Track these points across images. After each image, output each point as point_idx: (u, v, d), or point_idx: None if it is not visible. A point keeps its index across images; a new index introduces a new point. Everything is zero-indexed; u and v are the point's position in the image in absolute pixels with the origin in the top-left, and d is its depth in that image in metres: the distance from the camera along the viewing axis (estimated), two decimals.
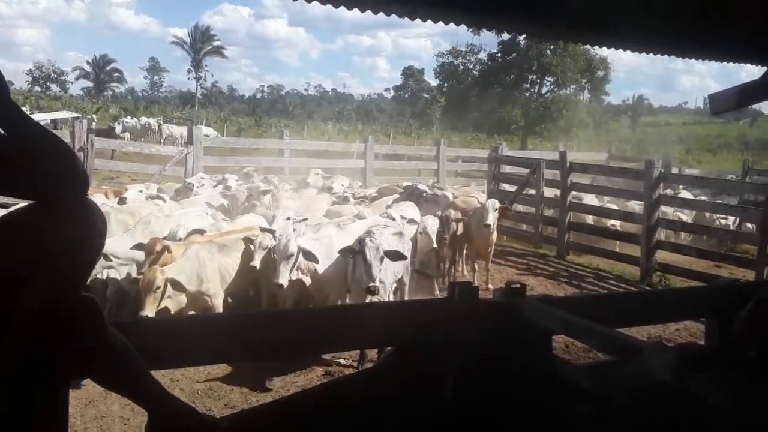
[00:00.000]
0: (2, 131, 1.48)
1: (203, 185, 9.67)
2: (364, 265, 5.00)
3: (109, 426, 4.16)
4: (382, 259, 5.01)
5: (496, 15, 3.35)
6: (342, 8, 3.26)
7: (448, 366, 2.27)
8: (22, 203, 1.59)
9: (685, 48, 4.18)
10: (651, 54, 4.23)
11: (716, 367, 1.77)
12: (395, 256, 5.20)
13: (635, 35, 3.82)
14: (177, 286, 4.91)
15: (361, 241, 5.15)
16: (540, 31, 4.21)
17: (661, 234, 9.16)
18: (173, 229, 6.25)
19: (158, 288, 4.79)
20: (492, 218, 7.61)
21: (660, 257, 8.79)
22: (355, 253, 5.13)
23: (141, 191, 8.73)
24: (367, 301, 4.91)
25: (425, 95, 57.95)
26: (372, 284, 4.91)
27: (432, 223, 7.12)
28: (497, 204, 7.96)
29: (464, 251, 8.39)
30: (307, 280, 5.47)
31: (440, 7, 3.17)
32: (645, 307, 3.16)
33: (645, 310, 3.12)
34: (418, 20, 3.45)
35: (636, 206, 9.87)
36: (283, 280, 5.11)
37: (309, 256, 5.25)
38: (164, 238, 5.81)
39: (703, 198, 11.73)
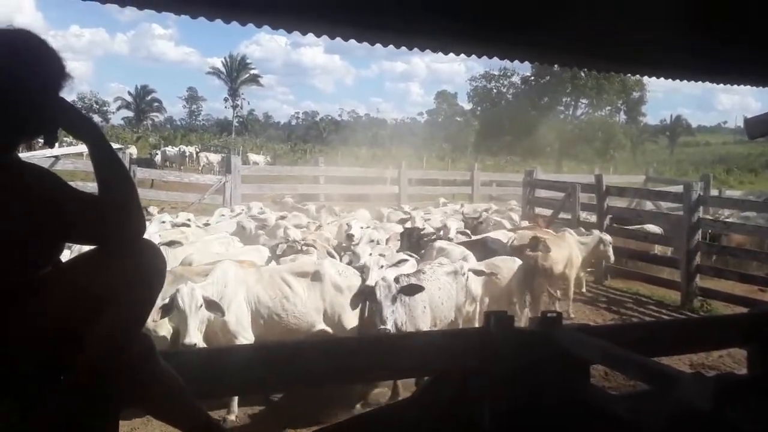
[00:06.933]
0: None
1: (220, 221, 9.31)
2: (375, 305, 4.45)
3: None
4: (394, 299, 4.50)
5: (529, 47, 3.41)
6: None
7: (484, 395, 2.29)
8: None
9: (717, 73, 4.17)
10: (684, 81, 4.24)
11: (756, 396, 1.76)
12: (410, 290, 4.60)
13: (668, 62, 3.85)
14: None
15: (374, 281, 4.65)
16: (580, 62, 4.23)
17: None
18: (188, 256, 6.03)
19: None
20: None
21: (701, 282, 8.62)
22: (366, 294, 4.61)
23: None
24: None
25: (458, 119, 58.08)
26: (382, 327, 4.38)
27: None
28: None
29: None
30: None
31: (473, 43, 3.25)
32: (685, 335, 3.13)
33: (685, 339, 3.09)
34: None
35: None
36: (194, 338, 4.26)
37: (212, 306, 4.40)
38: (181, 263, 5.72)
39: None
